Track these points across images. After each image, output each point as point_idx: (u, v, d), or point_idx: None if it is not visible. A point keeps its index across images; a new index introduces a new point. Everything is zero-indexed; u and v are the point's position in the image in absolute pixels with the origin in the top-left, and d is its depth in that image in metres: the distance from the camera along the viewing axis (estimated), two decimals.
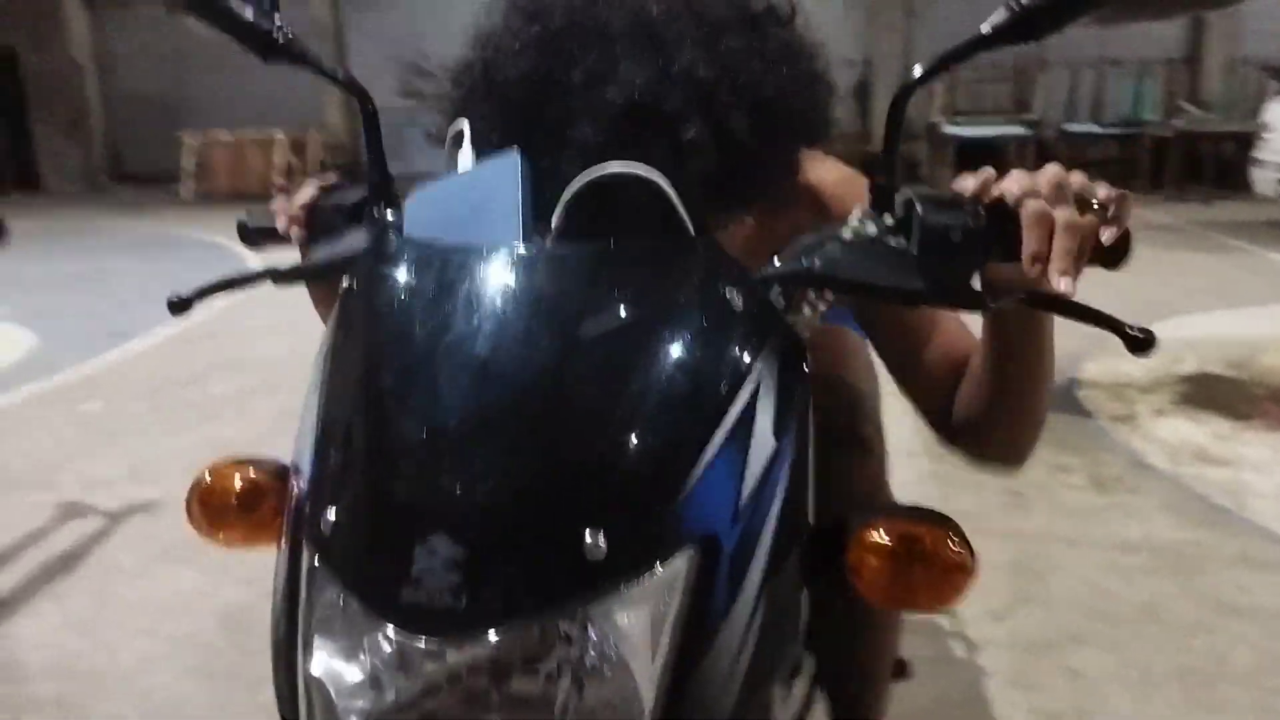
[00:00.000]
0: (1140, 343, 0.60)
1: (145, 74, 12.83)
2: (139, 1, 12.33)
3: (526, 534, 0.52)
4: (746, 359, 0.59)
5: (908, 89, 0.64)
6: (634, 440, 0.54)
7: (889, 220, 0.66)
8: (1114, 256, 0.62)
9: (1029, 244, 0.60)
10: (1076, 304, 0.61)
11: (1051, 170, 0.62)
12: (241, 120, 11.88)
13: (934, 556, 0.58)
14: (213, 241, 7.48)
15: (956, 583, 0.59)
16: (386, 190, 0.77)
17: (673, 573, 0.53)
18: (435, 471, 0.53)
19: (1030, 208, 0.60)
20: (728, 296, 0.60)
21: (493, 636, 0.51)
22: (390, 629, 0.52)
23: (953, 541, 0.59)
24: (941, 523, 0.60)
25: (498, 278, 0.59)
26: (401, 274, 0.62)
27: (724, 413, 0.56)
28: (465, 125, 0.75)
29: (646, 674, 0.52)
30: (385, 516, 0.54)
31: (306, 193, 0.84)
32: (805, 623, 0.65)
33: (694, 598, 0.53)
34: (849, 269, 0.64)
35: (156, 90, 12.83)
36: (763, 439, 0.57)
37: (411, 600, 0.51)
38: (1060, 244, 0.59)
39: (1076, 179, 0.62)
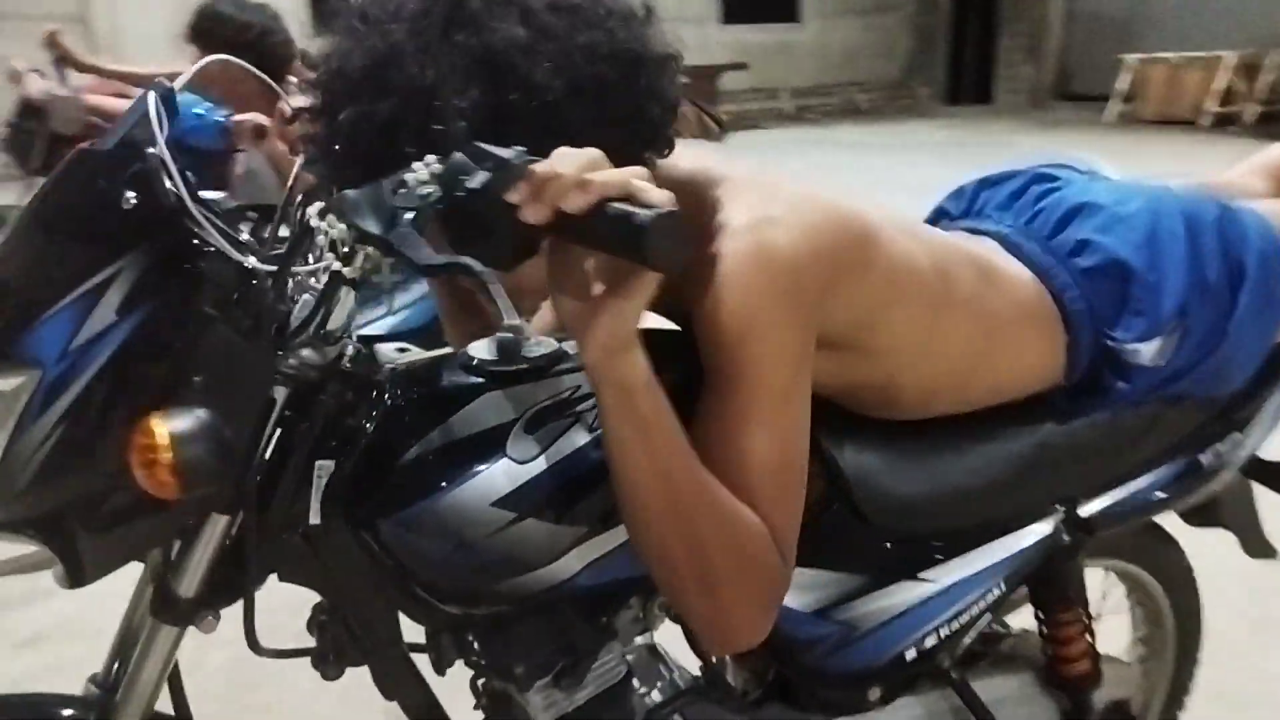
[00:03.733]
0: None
1: None
2: None
3: None
4: (116, 250, 0.68)
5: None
6: (16, 282, 0.71)
7: (437, 168, 0.64)
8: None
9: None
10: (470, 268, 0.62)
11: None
12: (1192, 41, 10.86)
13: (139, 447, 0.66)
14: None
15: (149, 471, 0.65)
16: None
17: (23, 374, 0.65)
18: None
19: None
20: (123, 201, 0.68)
21: None
22: None
23: (152, 441, 0.65)
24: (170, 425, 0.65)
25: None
26: None
27: (82, 281, 0.67)
28: None
29: None
30: None
31: None
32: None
33: (30, 397, 0.67)
34: (358, 209, 0.65)
35: (1117, 9, 12.53)
36: (104, 311, 0.67)
37: None
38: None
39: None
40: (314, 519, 0.77)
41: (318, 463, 0.77)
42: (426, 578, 0.80)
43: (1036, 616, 1.12)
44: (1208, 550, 1.32)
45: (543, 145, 0.64)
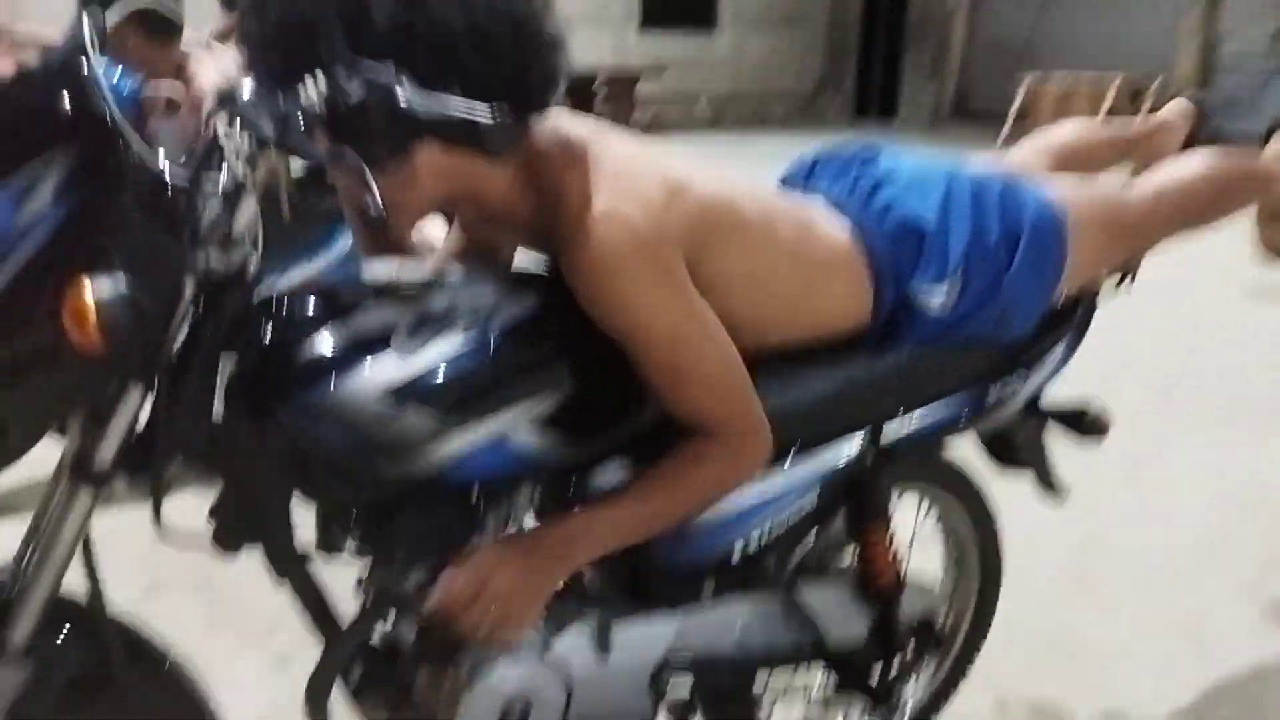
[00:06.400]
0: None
1: (1010, 15, 13.27)
2: None
3: None
4: (50, 143, 0.78)
5: None
6: None
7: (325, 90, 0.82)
8: None
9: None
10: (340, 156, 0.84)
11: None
12: (1083, 65, 11.51)
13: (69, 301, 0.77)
14: None
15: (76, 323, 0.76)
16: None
17: None
18: None
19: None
20: (55, 102, 0.78)
21: None
22: None
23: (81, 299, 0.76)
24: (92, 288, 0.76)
25: None
26: None
27: (17, 170, 0.77)
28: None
29: None
30: None
31: None
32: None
33: None
34: (259, 116, 0.80)
35: (1015, 31, 13.18)
36: (39, 199, 0.77)
37: None
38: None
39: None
40: (218, 406, 0.90)
41: (222, 354, 0.89)
42: (320, 460, 0.93)
43: (849, 533, 1.30)
44: (1029, 511, 1.51)
45: (434, 77, 0.82)
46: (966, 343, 1.22)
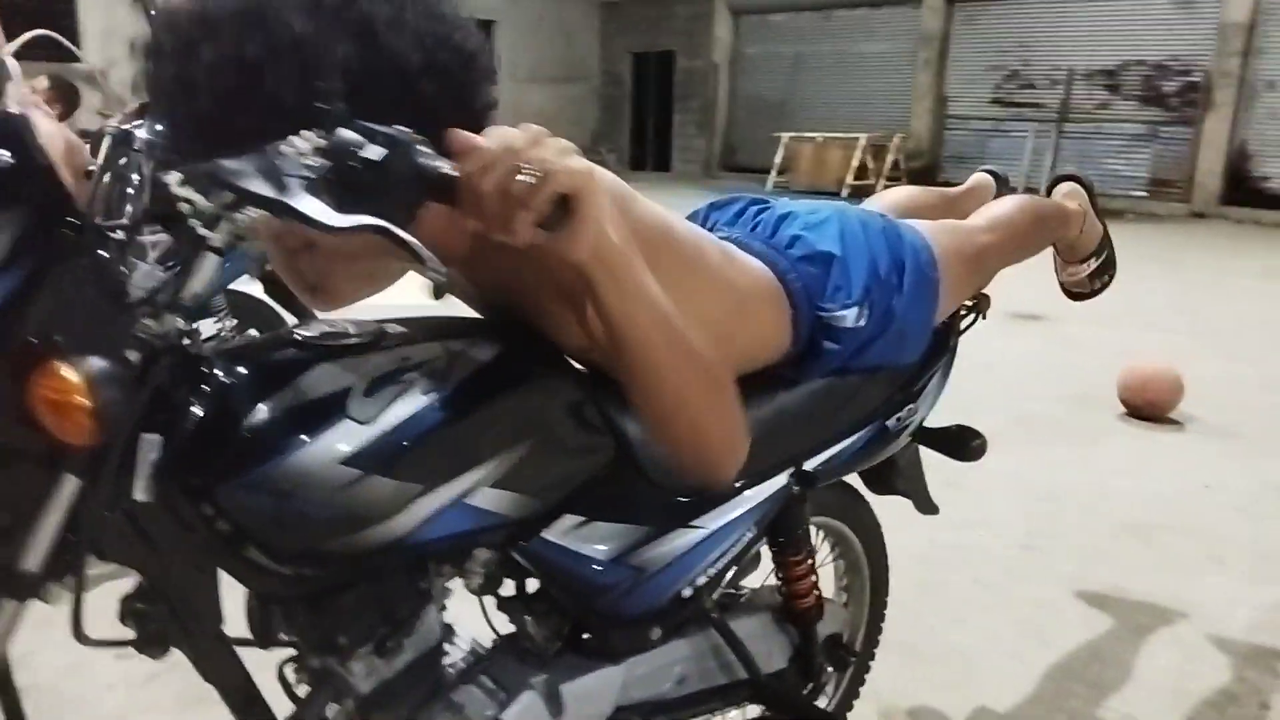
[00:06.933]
0: (438, 285, 0.71)
1: (765, 76, 14.37)
2: (772, 10, 13.80)
3: None
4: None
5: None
6: None
7: (321, 142, 0.68)
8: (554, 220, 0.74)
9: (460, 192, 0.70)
10: (388, 230, 0.68)
11: (502, 134, 0.72)
12: (834, 123, 12.63)
13: (47, 391, 0.68)
14: None
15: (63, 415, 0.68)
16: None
17: None
18: None
19: (468, 176, 0.70)
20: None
21: None
22: None
23: (65, 385, 0.67)
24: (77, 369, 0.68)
25: None
26: None
27: None
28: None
29: None
30: None
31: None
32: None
33: None
34: (237, 174, 0.67)
35: (772, 91, 14.28)
36: None
37: None
38: (489, 207, 0.70)
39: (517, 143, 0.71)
40: (139, 494, 0.78)
41: (143, 436, 0.77)
42: (266, 540, 0.83)
43: (774, 562, 1.34)
44: (885, 526, 1.62)
45: (392, 114, 0.73)
46: (872, 370, 1.30)
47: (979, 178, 1.88)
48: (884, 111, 12.38)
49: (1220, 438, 3.44)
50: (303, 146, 0.70)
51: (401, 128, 0.71)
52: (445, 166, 0.68)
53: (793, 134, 12.69)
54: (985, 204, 1.80)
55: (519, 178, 0.71)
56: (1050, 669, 1.98)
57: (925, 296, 1.31)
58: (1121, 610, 2.23)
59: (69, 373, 0.66)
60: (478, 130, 0.88)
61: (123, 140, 0.86)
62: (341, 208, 0.69)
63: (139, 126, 0.85)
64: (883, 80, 12.89)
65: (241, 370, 0.85)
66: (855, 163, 11.87)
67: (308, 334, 0.91)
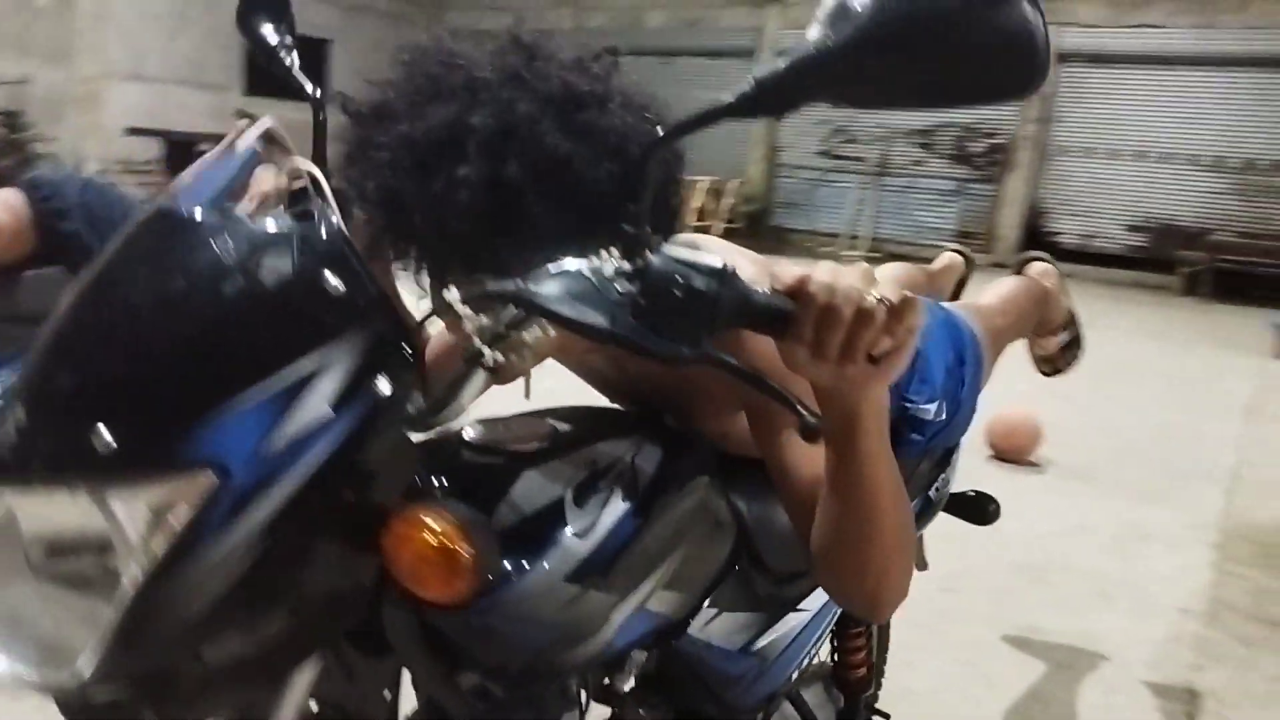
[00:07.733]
0: (811, 428, 0.69)
1: None
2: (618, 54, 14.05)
3: (58, 416, 0.61)
4: (318, 337, 0.64)
5: (652, 146, 0.71)
6: (168, 366, 0.63)
7: (627, 267, 0.67)
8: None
9: (798, 327, 0.65)
10: (760, 379, 0.67)
11: (830, 268, 0.67)
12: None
13: (425, 547, 0.65)
14: None
15: (446, 572, 0.66)
16: (318, 186, 0.85)
17: (182, 482, 0.56)
18: (42, 367, 0.66)
19: (808, 297, 0.65)
20: (326, 283, 0.65)
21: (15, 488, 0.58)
22: None
23: (446, 537, 0.63)
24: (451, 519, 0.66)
25: (161, 237, 0.70)
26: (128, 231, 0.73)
27: (271, 372, 0.62)
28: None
29: (128, 559, 0.56)
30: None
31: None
32: (326, 580, 0.69)
33: (200, 512, 0.56)
34: (553, 299, 0.65)
35: None
36: (314, 406, 0.62)
37: None
38: (822, 334, 0.65)
39: (853, 281, 0.66)
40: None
41: None
42: (490, 661, 0.80)
43: (833, 634, 1.38)
44: None
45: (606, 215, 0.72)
46: (931, 451, 1.38)
47: (950, 257, 2.03)
48: (722, 157, 12.88)
49: (1077, 479, 3.81)
50: (607, 269, 0.68)
51: (713, 257, 0.70)
52: (776, 300, 0.68)
53: None
54: (959, 279, 1.95)
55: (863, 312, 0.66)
56: (1000, 711, 2.14)
57: (979, 384, 1.41)
58: (1043, 650, 2.43)
59: (437, 521, 0.62)
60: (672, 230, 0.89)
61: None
62: (653, 331, 0.67)
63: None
64: (722, 127, 13.29)
65: (457, 484, 0.82)
66: (697, 205, 12.27)
67: (480, 435, 0.88)
